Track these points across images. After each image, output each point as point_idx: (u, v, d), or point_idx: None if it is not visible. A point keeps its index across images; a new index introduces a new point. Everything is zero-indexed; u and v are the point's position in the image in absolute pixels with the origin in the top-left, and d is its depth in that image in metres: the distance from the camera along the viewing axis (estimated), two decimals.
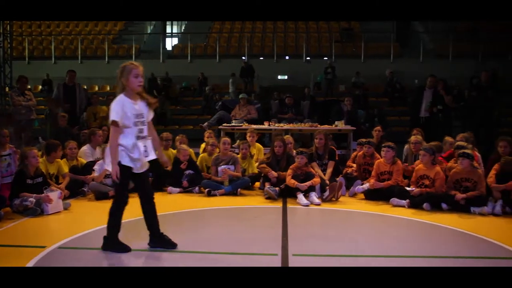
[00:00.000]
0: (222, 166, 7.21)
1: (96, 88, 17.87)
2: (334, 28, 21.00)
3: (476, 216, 5.83)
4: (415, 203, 6.22)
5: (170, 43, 22.58)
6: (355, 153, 7.80)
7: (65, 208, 5.98)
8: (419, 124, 9.72)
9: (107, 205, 6.17)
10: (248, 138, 8.33)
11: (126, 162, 4.12)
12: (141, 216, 5.60)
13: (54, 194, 5.86)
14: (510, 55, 17.61)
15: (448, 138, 7.75)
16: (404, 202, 6.31)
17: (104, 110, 10.91)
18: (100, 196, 6.61)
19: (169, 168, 7.69)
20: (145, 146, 4.21)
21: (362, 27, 20.96)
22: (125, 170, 4.12)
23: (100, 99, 12.26)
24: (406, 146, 7.90)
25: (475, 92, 10.12)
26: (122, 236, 4.40)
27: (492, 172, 6.34)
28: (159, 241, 4.38)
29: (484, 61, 17.14)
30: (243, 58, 18.65)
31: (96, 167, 6.87)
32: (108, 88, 17.86)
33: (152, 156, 4.31)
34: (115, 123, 4.05)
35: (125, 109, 4.06)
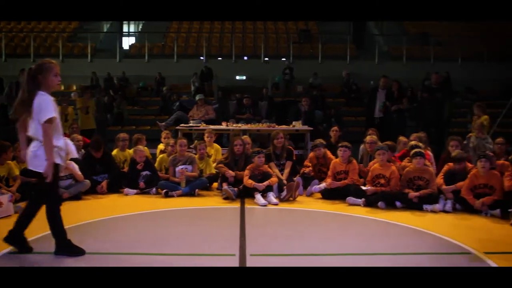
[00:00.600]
0: (180, 167, 7.16)
1: None
2: (291, 29, 21.17)
3: (428, 213, 6.02)
4: (370, 202, 6.36)
5: (127, 42, 22.21)
6: (312, 153, 7.90)
7: (16, 212, 5.77)
8: (374, 124, 9.93)
9: (61, 207, 6.04)
10: (206, 138, 8.30)
11: (58, 161, 4.04)
12: (99, 218, 5.57)
13: (4, 197, 5.68)
14: (460, 59, 18.22)
15: (402, 138, 7.96)
16: (359, 200, 6.44)
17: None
18: None
19: (126, 169, 7.60)
20: None
21: (319, 29, 21.24)
22: (57, 169, 4.05)
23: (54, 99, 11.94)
24: (361, 146, 8.06)
25: (426, 94, 10.43)
26: (78, 238, 4.31)
27: (440, 175, 6.57)
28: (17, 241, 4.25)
29: (435, 63, 17.68)
30: (202, 58, 18.56)
31: None
32: (62, 88, 17.37)
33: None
34: (51, 120, 3.95)
35: (54, 106, 4.01)
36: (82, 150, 7.77)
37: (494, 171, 6.13)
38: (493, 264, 4.05)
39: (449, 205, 6.12)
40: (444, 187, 6.35)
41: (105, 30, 21.99)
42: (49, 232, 4.24)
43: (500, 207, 5.82)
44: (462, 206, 6.13)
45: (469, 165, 6.63)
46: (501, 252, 4.45)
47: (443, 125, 10.03)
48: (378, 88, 10.67)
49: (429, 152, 7.49)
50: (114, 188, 7.21)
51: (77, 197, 6.65)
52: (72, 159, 7.02)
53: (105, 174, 7.26)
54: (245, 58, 19.35)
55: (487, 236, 5.09)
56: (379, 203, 6.28)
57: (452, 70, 16.08)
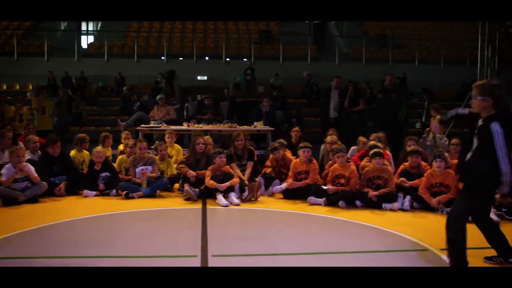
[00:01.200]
0: (140, 168, 7.07)
1: (4, 87, 16.84)
2: (253, 30, 21.23)
3: (387, 211, 6.15)
4: (331, 201, 6.45)
5: (86, 41, 21.76)
6: (271, 156, 7.94)
7: None
8: (329, 124, 10.08)
9: (16, 211, 5.91)
10: (166, 139, 8.22)
11: None
12: (57, 221, 5.43)
13: None
14: (417, 61, 18.72)
15: (361, 138, 8.10)
16: (320, 200, 6.52)
17: (12, 110, 10.34)
18: (9, 201, 6.26)
19: (84, 170, 7.44)
20: None
21: (280, 30, 21.38)
22: None
23: (9, 99, 11.61)
24: (322, 146, 8.16)
25: (381, 95, 10.65)
26: (35, 242, 4.20)
27: (396, 175, 6.74)
28: None
29: (394, 65, 18.10)
30: (162, 58, 18.38)
31: (3, 171, 6.48)
32: (17, 87, 16.90)
33: None
34: None
35: None
36: (39, 152, 7.56)
37: (450, 170, 6.32)
38: (447, 259, 4.17)
39: (407, 204, 6.27)
40: (400, 179, 6.52)
41: (62, 28, 21.49)
42: (2, 237, 4.10)
43: None
44: (420, 205, 6.29)
45: (423, 163, 6.81)
46: None
47: (398, 125, 10.26)
48: (332, 88, 10.85)
49: (388, 152, 7.66)
50: (73, 190, 7.05)
51: (33, 199, 6.46)
52: (28, 161, 6.85)
53: (63, 175, 7.08)
54: (207, 58, 19.28)
55: (443, 233, 5.23)
56: (340, 202, 6.37)
57: (410, 72, 16.52)
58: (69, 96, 14.24)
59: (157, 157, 7.48)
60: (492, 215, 5.55)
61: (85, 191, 6.96)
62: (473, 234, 4.68)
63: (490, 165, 3.66)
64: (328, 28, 22.70)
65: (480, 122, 3.84)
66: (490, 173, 3.70)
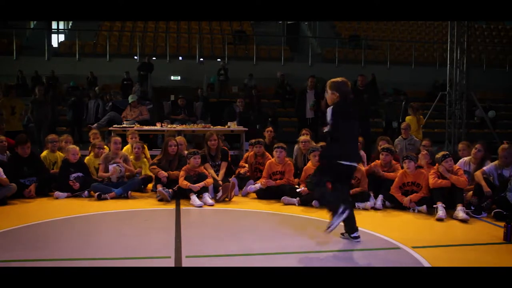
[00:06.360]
0: (114, 165, 7.00)
1: None
2: (226, 30, 21.22)
3: (360, 210, 6.20)
4: (305, 201, 6.48)
5: (56, 39, 21.37)
6: (247, 154, 7.96)
7: None
8: (306, 125, 10.14)
9: None
10: (129, 140, 8.10)
11: None
12: (26, 223, 5.32)
13: None
14: (388, 62, 19.00)
15: None
16: (294, 200, 6.56)
17: None
18: None
19: (55, 171, 7.31)
20: None
21: (254, 30, 21.42)
22: None
23: None
24: (296, 146, 8.20)
25: (353, 95, 10.75)
26: (5, 246, 4.11)
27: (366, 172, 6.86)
28: None
29: (366, 66, 18.33)
30: (135, 57, 18.21)
31: None
32: None
33: None
34: None
35: None
36: (7, 152, 7.39)
37: (421, 170, 6.42)
38: (419, 257, 4.24)
39: (379, 203, 6.35)
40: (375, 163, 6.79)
41: (32, 26, 21.06)
42: None
43: (426, 203, 6.13)
44: (392, 203, 6.38)
45: (394, 162, 6.91)
46: (426, 246, 4.66)
47: (370, 125, 10.40)
48: (307, 89, 10.92)
49: (362, 152, 7.73)
50: (43, 191, 6.91)
51: (2, 202, 6.32)
52: None
53: (33, 177, 6.94)
54: (180, 58, 19.18)
55: (415, 231, 5.34)
56: (313, 202, 6.41)
57: (382, 73, 16.75)
58: (53, 95, 13.94)
59: (131, 156, 7.41)
60: (462, 213, 5.70)
61: (56, 193, 6.84)
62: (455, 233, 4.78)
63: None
64: (301, 29, 22.85)
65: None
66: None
